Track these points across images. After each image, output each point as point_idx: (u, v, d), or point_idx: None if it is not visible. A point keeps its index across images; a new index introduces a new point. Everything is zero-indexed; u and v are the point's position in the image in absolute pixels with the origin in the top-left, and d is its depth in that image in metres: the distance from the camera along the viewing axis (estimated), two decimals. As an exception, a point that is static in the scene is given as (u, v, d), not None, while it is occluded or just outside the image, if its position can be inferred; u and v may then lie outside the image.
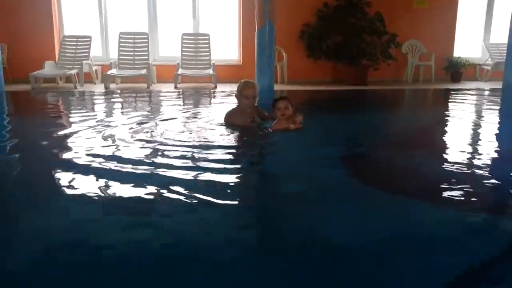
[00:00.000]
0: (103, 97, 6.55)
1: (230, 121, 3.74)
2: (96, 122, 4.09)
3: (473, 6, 9.71)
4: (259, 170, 2.76)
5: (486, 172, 2.65)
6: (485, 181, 2.49)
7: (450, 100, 6.85)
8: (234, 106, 3.91)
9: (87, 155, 2.83)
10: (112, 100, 6.28)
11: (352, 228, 1.82)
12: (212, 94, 7.01)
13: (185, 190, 2.16)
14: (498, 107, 6.16)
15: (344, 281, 1.44)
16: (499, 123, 4.84)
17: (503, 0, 9.37)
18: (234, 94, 3.77)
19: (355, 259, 1.57)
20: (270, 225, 1.93)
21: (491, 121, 4.96)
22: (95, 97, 6.58)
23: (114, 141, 3.26)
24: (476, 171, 2.68)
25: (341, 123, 4.33)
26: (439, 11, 9.29)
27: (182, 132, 3.66)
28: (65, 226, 1.82)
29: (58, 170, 2.56)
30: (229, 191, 2.27)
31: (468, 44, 9.77)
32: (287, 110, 3.39)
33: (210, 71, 8.08)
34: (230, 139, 3.41)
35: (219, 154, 2.90)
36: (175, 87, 7.74)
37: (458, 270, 1.49)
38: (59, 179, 2.45)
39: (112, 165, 2.60)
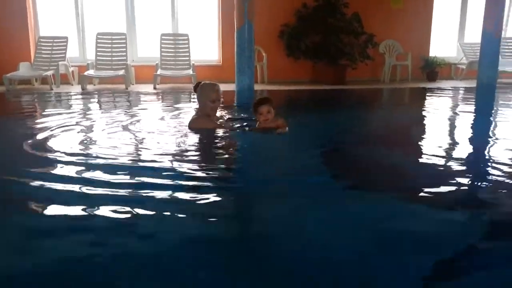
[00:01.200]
0: (77, 98, 6.42)
1: (199, 127, 3.48)
2: (65, 124, 3.98)
3: (448, 6, 9.92)
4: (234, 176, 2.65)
5: (461, 168, 2.72)
6: (459, 177, 2.54)
7: (426, 99, 6.99)
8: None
9: (58, 157, 2.77)
10: (87, 101, 6.16)
11: (331, 228, 1.84)
12: (192, 95, 6.97)
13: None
14: (473, 105, 6.31)
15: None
16: (473, 120, 4.96)
17: (476, 1, 9.60)
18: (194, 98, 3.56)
19: (335, 260, 1.59)
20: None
21: (466, 119, 5.08)
22: (69, 99, 6.44)
23: (84, 145, 3.18)
24: (451, 167, 2.74)
25: (320, 122, 4.37)
26: (415, 12, 9.47)
27: (153, 138, 3.38)
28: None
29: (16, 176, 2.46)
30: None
31: (443, 44, 9.98)
32: (270, 114, 3.30)
33: (190, 72, 8.04)
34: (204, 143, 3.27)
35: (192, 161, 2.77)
36: (154, 88, 7.67)
37: (433, 265, 1.52)
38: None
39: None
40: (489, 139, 3.67)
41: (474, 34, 9.18)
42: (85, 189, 2.16)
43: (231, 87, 7.10)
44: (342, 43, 8.40)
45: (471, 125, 4.63)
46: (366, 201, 2.11)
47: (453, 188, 2.34)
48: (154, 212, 1.94)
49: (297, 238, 1.72)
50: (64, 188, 2.18)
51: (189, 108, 5.07)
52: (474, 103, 6.58)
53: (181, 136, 3.40)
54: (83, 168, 2.50)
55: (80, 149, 2.98)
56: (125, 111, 4.96)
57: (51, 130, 3.66)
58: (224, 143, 3.28)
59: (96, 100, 6.36)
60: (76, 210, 1.94)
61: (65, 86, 7.84)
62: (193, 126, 3.50)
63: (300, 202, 2.08)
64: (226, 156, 2.94)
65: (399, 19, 9.36)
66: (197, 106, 3.65)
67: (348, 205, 2.08)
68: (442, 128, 4.33)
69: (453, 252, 1.63)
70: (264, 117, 3.30)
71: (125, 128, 3.76)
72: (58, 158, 2.75)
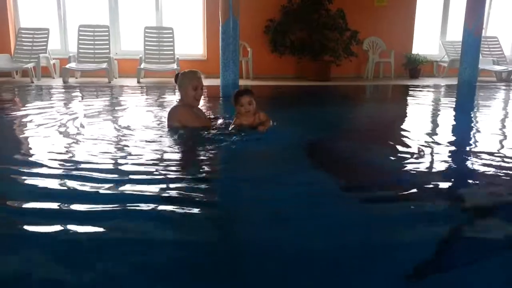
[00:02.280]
0: (58, 91, 6.32)
1: (182, 124, 3.21)
2: (43, 118, 3.94)
3: (430, 4, 10.06)
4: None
5: (442, 163, 2.77)
6: (440, 172, 2.60)
7: (408, 96, 7.09)
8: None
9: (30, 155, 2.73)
10: (68, 95, 6.06)
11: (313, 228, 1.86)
12: (176, 90, 6.92)
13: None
14: (454, 102, 6.43)
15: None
16: (454, 116, 5.06)
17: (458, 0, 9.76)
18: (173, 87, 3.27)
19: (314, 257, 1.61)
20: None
21: (447, 115, 5.18)
22: (50, 92, 6.35)
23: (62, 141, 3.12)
24: (432, 161, 2.80)
25: (304, 118, 4.39)
26: (399, 10, 9.57)
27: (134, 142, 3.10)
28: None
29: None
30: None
31: (426, 42, 10.12)
32: (251, 106, 3.15)
33: (174, 66, 7.98)
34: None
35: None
36: (138, 82, 7.60)
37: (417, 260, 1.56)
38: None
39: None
40: (469, 135, 3.76)
41: (456, 32, 9.33)
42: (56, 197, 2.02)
43: (216, 82, 7.09)
44: (327, 39, 8.45)
45: (452, 121, 4.72)
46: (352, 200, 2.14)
47: (433, 182, 2.39)
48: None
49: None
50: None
51: (173, 104, 4.98)
52: (454, 100, 6.71)
53: (161, 136, 3.19)
54: (55, 172, 2.35)
55: (54, 151, 2.81)
56: (107, 107, 4.91)
57: (27, 127, 3.60)
58: (204, 146, 2.96)
59: (78, 94, 6.26)
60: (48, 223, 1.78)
61: (46, 79, 7.70)
62: (173, 119, 3.26)
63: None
64: (207, 163, 2.72)
65: (383, 17, 9.45)
66: (179, 98, 3.44)
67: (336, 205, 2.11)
68: (423, 124, 4.40)
69: (435, 246, 1.66)
70: (245, 109, 3.15)
71: (105, 127, 3.63)
72: (30, 159, 2.66)
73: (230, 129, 3.21)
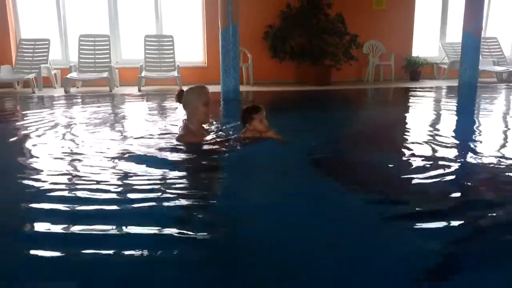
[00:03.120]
0: (59, 102, 6.33)
1: (188, 142, 3.10)
2: (45, 129, 3.95)
3: (429, 6, 10.08)
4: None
5: (444, 165, 2.76)
6: (443, 174, 2.59)
7: (410, 98, 7.09)
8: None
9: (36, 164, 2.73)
10: (69, 105, 6.07)
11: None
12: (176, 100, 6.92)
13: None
14: (455, 104, 6.43)
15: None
16: (456, 118, 5.06)
17: (457, 1, 9.77)
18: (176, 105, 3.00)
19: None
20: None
21: (448, 117, 5.18)
22: (52, 102, 6.35)
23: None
24: (435, 163, 2.79)
25: (307, 122, 4.39)
26: (398, 12, 9.59)
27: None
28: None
29: None
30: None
31: (425, 44, 10.13)
32: (265, 120, 3.05)
33: (175, 73, 8.01)
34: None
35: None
36: (139, 90, 7.62)
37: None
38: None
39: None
40: (471, 136, 3.75)
41: (456, 33, 9.33)
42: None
43: (217, 88, 7.10)
44: (326, 43, 8.46)
45: (453, 123, 4.72)
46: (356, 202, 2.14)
47: (436, 185, 2.38)
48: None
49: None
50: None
51: (175, 113, 4.96)
52: (456, 101, 6.70)
53: (168, 151, 3.03)
54: (55, 187, 2.32)
55: (55, 165, 2.76)
56: (109, 116, 4.89)
57: (28, 137, 3.60)
58: (215, 162, 2.87)
59: (79, 103, 6.27)
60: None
61: (48, 89, 7.72)
62: (182, 140, 3.15)
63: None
64: (218, 179, 2.65)
65: (382, 20, 9.47)
66: (184, 116, 3.26)
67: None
68: (425, 126, 4.39)
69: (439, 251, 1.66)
70: (264, 124, 3.02)
71: (106, 138, 3.57)
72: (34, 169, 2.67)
73: (239, 139, 3.10)
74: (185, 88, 3.29)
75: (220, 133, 3.46)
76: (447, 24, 10.18)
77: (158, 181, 2.40)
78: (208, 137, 3.23)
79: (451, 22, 10.07)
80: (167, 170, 2.57)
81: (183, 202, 2.16)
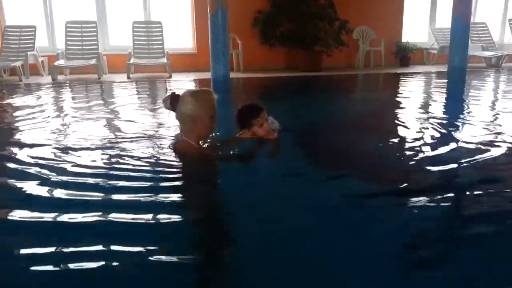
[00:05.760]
0: (47, 89, 6.23)
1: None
2: (32, 117, 3.88)
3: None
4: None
5: (432, 151, 2.79)
6: (430, 160, 2.62)
7: (399, 83, 7.11)
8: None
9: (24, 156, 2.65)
10: (57, 93, 5.99)
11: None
12: (166, 85, 6.88)
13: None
14: (444, 89, 6.47)
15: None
16: (444, 103, 5.09)
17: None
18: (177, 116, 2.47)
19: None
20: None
21: (438, 102, 5.21)
22: (39, 90, 6.24)
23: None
24: (423, 150, 2.81)
25: (300, 108, 4.39)
26: (388, -2, 9.56)
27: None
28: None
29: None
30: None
31: (415, 29, 10.13)
32: (267, 123, 2.68)
33: (164, 60, 7.93)
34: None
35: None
36: (128, 77, 7.54)
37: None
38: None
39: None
40: (460, 121, 3.78)
41: (445, 19, 9.34)
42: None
43: (207, 75, 7.05)
44: (316, 28, 8.42)
45: (442, 107, 4.75)
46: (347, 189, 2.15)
47: (425, 173, 2.41)
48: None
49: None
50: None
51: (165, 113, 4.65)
52: (445, 86, 6.74)
53: (161, 148, 2.72)
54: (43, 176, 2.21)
55: (40, 161, 2.51)
56: (97, 105, 4.81)
57: (15, 127, 3.55)
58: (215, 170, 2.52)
59: (67, 91, 6.19)
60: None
61: (35, 77, 7.60)
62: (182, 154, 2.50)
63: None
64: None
65: (372, 5, 9.43)
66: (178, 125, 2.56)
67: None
68: (414, 111, 4.41)
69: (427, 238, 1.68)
70: (265, 128, 2.65)
71: (95, 126, 3.49)
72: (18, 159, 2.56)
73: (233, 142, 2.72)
74: (180, 92, 2.48)
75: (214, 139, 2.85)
76: (437, 10, 10.19)
77: (147, 183, 2.16)
78: (205, 146, 2.66)
79: (441, 8, 10.08)
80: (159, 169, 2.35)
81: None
